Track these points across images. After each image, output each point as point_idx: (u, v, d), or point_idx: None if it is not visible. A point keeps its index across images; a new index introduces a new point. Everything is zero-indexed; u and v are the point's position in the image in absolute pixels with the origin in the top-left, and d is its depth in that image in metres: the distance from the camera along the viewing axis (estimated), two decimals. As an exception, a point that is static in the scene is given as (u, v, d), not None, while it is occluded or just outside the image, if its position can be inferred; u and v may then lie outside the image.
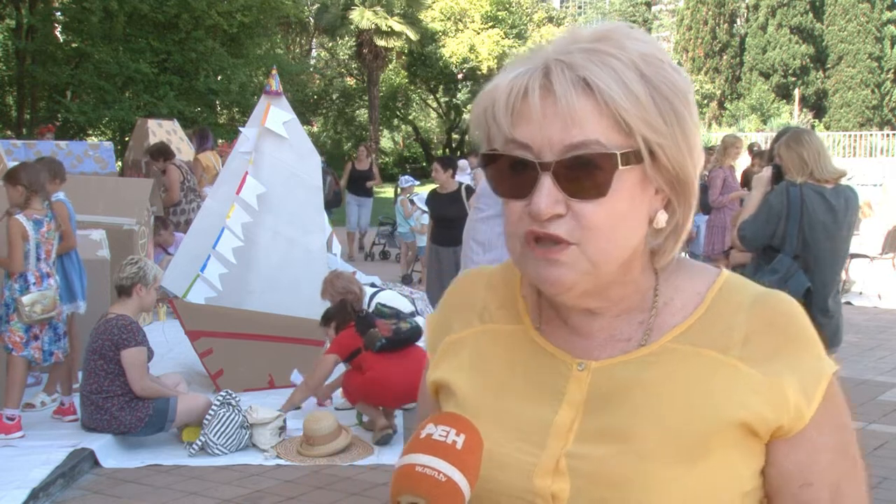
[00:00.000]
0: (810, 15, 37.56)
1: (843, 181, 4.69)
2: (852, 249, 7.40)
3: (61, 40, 24.18)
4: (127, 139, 17.00)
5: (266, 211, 7.11)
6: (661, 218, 1.06)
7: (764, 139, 24.27)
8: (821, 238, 4.53)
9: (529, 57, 1.05)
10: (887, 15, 37.53)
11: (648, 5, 45.15)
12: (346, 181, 14.57)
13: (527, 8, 39.25)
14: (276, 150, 7.17)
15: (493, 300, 1.20)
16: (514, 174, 1.03)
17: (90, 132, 24.24)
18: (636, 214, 1.04)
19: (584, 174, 0.99)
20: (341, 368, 6.10)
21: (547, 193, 1.00)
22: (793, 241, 4.52)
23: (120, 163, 14.95)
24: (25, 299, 5.60)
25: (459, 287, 1.27)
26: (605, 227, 1.01)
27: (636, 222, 1.04)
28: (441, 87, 36.41)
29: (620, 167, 1.00)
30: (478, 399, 1.13)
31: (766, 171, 4.87)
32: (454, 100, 36.03)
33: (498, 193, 1.06)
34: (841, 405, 1.07)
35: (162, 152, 10.08)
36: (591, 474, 1.03)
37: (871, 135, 28.27)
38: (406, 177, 13.94)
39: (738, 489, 1.04)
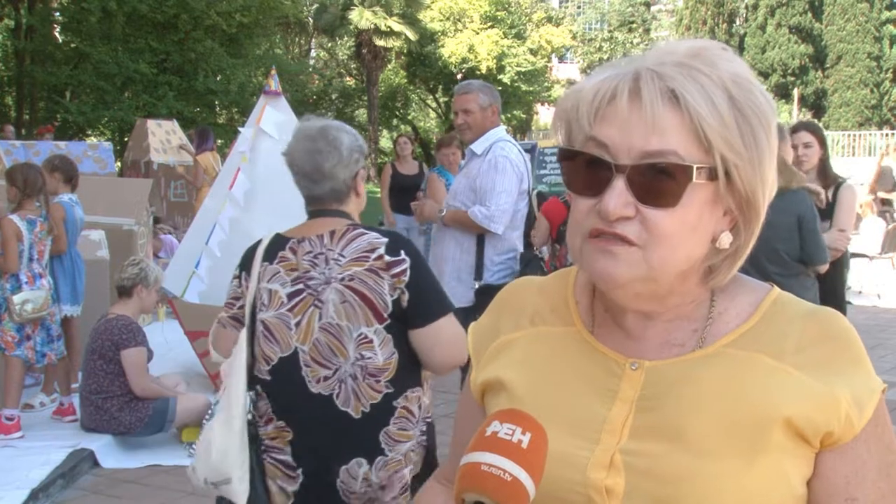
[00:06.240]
0: (809, 15, 37.54)
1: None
2: (852, 249, 7.42)
3: (60, 40, 24.18)
4: (126, 139, 17.01)
5: (263, 210, 7.08)
6: (725, 239, 1.07)
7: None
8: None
9: (621, 63, 1.06)
10: (886, 14, 37.52)
11: (647, 5, 45.03)
12: (386, 194, 9.79)
13: (526, 8, 39.18)
14: (272, 148, 7.15)
15: (545, 304, 1.21)
16: (588, 172, 1.04)
17: (89, 132, 24.24)
18: (702, 230, 1.05)
19: (658, 182, 1.01)
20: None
21: (618, 195, 1.01)
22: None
23: (119, 163, 14.95)
24: (16, 298, 5.63)
25: (508, 293, 1.27)
26: (670, 237, 1.02)
27: (701, 238, 1.05)
28: (440, 87, 36.35)
29: (694, 181, 1.01)
30: (529, 392, 1.13)
31: None
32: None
33: (570, 189, 1.08)
34: (888, 425, 1.08)
35: None
36: (646, 470, 1.04)
37: (870, 134, 28.25)
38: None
39: (790, 492, 1.05)
